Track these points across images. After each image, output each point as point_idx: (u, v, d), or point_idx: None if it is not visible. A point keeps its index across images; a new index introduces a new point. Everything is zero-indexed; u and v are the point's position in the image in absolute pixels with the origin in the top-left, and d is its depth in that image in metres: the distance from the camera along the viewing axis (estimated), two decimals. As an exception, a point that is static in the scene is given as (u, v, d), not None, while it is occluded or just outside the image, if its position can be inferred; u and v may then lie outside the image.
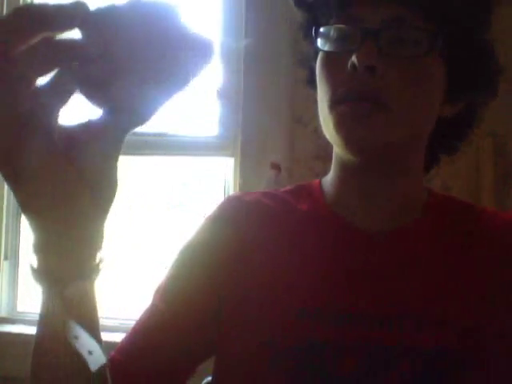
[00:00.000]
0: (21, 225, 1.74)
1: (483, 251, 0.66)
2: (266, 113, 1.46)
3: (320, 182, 0.74)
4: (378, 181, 0.66)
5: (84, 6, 0.36)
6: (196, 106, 1.64)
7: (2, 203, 1.72)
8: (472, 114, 0.71)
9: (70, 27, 0.36)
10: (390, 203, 0.67)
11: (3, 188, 1.73)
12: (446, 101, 0.66)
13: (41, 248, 0.43)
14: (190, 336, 0.67)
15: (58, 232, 0.42)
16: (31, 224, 0.42)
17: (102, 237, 0.44)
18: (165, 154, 1.63)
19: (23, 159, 0.38)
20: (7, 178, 0.39)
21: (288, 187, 0.76)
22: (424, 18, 0.61)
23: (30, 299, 1.71)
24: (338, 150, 0.67)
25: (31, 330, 1.60)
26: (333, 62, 0.64)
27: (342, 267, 0.65)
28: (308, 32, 0.68)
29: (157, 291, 0.70)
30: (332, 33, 0.64)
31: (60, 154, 0.40)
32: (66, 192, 0.40)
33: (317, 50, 0.67)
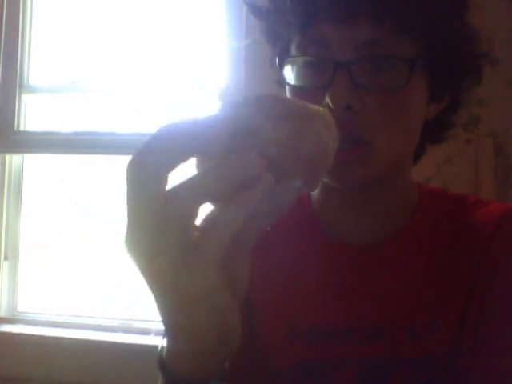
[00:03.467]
0: (21, 225, 1.74)
1: (469, 248, 0.64)
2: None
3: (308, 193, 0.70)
4: (364, 198, 0.63)
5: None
6: (196, 106, 1.64)
7: (3, 204, 1.72)
8: (456, 102, 0.66)
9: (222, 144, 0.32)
10: (377, 216, 0.64)
11: (3, 188, 1.73)
12: (429, 104, 0.62)
13: (185, 355, 0.39)
14: None
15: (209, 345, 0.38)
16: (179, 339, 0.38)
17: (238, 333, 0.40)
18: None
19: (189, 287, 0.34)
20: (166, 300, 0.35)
21: None
22: (400, 36, 0.55)
23: (30, 299, 1.72)
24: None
25: (31, 330, 1.60)
26: (301, 96, 0.57)
27: (330, 283, 0.64)
28: (270, 40, 0.64)
29: None
30: (300, 66, 0.59)
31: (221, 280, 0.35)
32: (221, 316, 0.36)
33: (282, 73, 0.61)
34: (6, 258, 1.72)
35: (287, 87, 0.60)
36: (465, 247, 0.64)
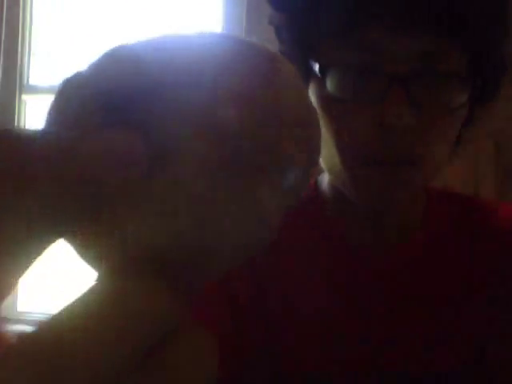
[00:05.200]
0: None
1: (486, 254, 0.62)
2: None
3: (316, 187, 0.65)
4: (382, 211, 0.60)
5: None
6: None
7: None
8: (474, 119, 0.65)
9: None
10: (392, 222, 0.61)
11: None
12: None
13: None
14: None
15: None
16: None
17: None
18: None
19: None
20: None
21: None
22: (460, 50, 0.49)
23: (30, 299, 1.72)
24: (344, 191, 0.57)
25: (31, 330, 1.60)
26: (347, 110, 0.51)
27: (345, 292, 0.62)
28: (289, 35, 0.55)
29: None
30: (346, 76, 0.51)
31: None
32: None
33: (308, 73, 0.54)
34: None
35: (321, 97, 0.53)
36: (482, 255, 0.61)
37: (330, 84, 0.51)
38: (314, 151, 0.21)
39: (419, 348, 0.59)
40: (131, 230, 0.18)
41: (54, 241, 0.19)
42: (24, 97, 1.75)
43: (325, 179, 0.64)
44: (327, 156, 0.54)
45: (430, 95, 0.50)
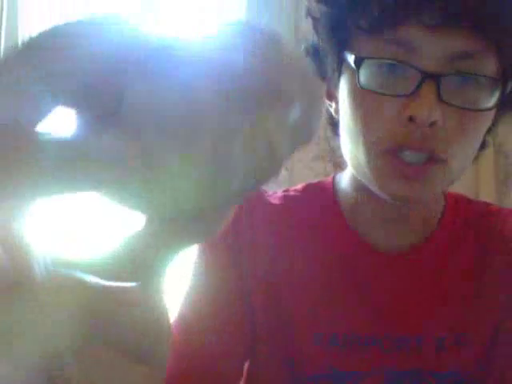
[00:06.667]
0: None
1: (499, 259, 0.62)
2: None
3: (333, 185, 0.66)
4: (401, 208, 0.60)
5: None
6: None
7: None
8: (496, 122, 0.64)
9: None
10: (409, 224, 0.62)
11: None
12: None
13: None
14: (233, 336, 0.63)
15: None
16: None
17: None
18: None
19: None
20: None
21: (299, 187, 0.68)
22: (492, 52, 0.50)
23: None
24: (368, 185, 0.58)
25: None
26: (378, 102, 0.53)
27: (358, 290, 0.62)
28: (326, 27, 0.57)
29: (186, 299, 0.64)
30: (380, 69, 0.53)
31: None
32: None
33: (341, 65, 0.56)
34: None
35: (354, 89, 0.55)
36: (498, 260, 0.62)
37: (363, 76, 0.53)
38: (315, 99, 0.22)
39: (433, 347, 0.59)
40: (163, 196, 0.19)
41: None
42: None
43: (344, 177, 0.64)
44: (353, 147, 0.55)
45: (460, 94, 0.51)
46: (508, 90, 0.52)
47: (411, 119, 0.50)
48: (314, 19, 0.59)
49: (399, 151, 0.52)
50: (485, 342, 0.59)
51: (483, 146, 0.62)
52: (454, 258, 0.62)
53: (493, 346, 0.59)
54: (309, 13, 0.59)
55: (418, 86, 0.50)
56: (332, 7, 0.56)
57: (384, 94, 0.52)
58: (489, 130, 0.60)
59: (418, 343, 0.59)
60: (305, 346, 0.61)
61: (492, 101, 0.52)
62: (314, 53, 0.61)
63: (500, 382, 0.59)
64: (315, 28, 0.59)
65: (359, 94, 0.54)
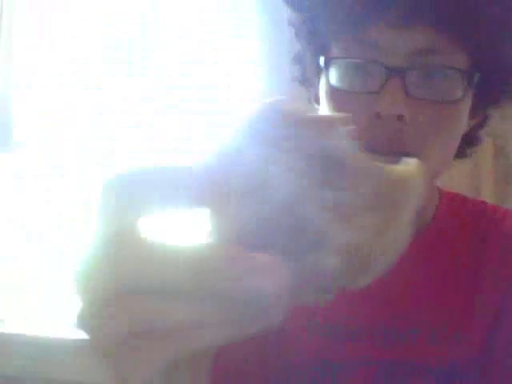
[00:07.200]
0: (20, 224, 1.74)
1: (496, 256, 0.63)
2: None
3: None
4: None
5: None
6: (195, 109, 1.64)
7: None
8: (486, 119, 0.65)
9: None
10: None
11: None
12: (468, 119, 0.59)
13: None
14: None
15: None
16: None
17: None
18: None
19: None
20: None
21: None
22: (457, 46, 0.52)
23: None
24: None
25: (31, 330, 1.60)
26: (347, 100, 0.54)
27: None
28: (304, 34, 0.60)
29: None
30: (348, 69, 0.55)
31: None
32: None
33: (320, 69, 0.58)
34: (5, 258, 1.71)
35: (327, 89, 0.57)
36: (494, 259, 0.62)
37: (333, 76, 0.55)
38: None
39: (426, 340, 0.59)
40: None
41: None
42: (24, 97, 1.74)
43: None
44: None
45: (429, 88, 0.52)
46: (475, 80, 0.53)
47: (379, 116, 0.51)
48: (294, 27, 0.62)
49: (369, 147, 0.52)
50: (481, 336, 0.59)
51: (475, 141, 0.63)
52: (448, 254, 0.63)
53: (489, 340, 0.59)
54: (289, 21, 0.62)
55: (384, 83, 0.51)
56: (305, 15, 0.59)
57: (353, 92, 0.54)
58: (479, 126, 0.61)
59: (411, 335, 0.59)
60: (296, 335, 0.61)
61: (460, 92, 0.53)
62: (300, 60, 0.64)
63: (497, 377, 0.59)
64: (296, 36, 0.62)
65: (331, 94, 0.56)
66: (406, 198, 0.26)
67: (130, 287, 0.23)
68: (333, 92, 0.56)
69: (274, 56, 1.40)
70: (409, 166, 0.28)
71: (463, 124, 0.57)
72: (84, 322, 0.27)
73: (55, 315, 1.66)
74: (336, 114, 0.28)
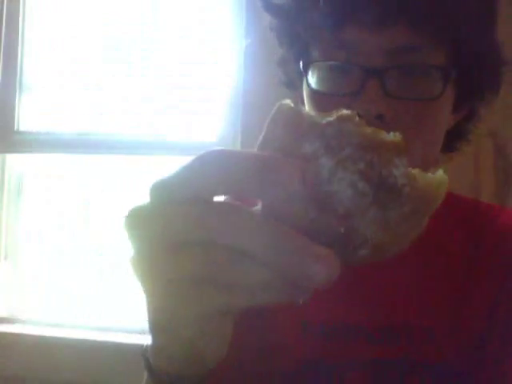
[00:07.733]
0: (20, 225, 1.74)
1: (491, 253, 0.63)
2: (265, 116, 1.45)
3: None
4: None
5: None
6: (196, 109, 1.64)
7: (2, 203, 1.72)
8: (473, 112, 0.65)
9: None
10: None
11: (3, 188, 1.73)
12: (450, 114, 0.59)
13: None
14: None
15: None
16: None
17: None
18: (165, 154, 1.63)
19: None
20: None
21: None
22: (434, 44, 0.52)
23: (30, 299, 1.71)
24: None
25: (31, 330, 1.60)
26: (328, 102, 0.55)
27: (346, 280, 0.63)
28: (285, 39, 0.60)
29: None
30: (325, 71, 0.55)
31: None
32: None
33: (301, 74, 0.58)
34: (5, 258, 1.71)
35: (308, 92, 0.57)
36: (489, 256, 0.62)
37: (313, 79, 0.56)
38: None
39: (421, 338, 0.59)
40: None
41: None
42: (24, 97, 1.75)
43: None
44: None
45: (406, 86, 0.52)
46: (453, 75, 0.53)
47: (358, 117, 0.52)
48: (275, 32, 0.62)
49: None
50: (477, 333, 0.59)
51: (463, 135, 0.63)
52: (442, 251, 0.63)
53: (485, 337, 0.59)
54: (270, 27, 0.62)
55: (363, 83, 0.51)
56: (283, 20, 0.60)
57: (332, 95, 0.54)
58: (466, 119, 0.62)
59: (407, 333, 0.59)
60: (290, 335, 0.60)
61: (439, 88, 0.53)
62: (283, 64, 0.65)
63: (492, 375, 0.59)
64: (278, 40, 0.62)
65: (312, 97, 0.57)
66: (432, 209, 0.30)
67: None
68: (314, 95, 0.57)
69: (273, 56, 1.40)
70: (436, 176, 0.30)
71: (445, 119, 0.57)
72: (144, 266, 0.30)
73: (57, 315, 1.66)
74: (392, 138, 0.28)
